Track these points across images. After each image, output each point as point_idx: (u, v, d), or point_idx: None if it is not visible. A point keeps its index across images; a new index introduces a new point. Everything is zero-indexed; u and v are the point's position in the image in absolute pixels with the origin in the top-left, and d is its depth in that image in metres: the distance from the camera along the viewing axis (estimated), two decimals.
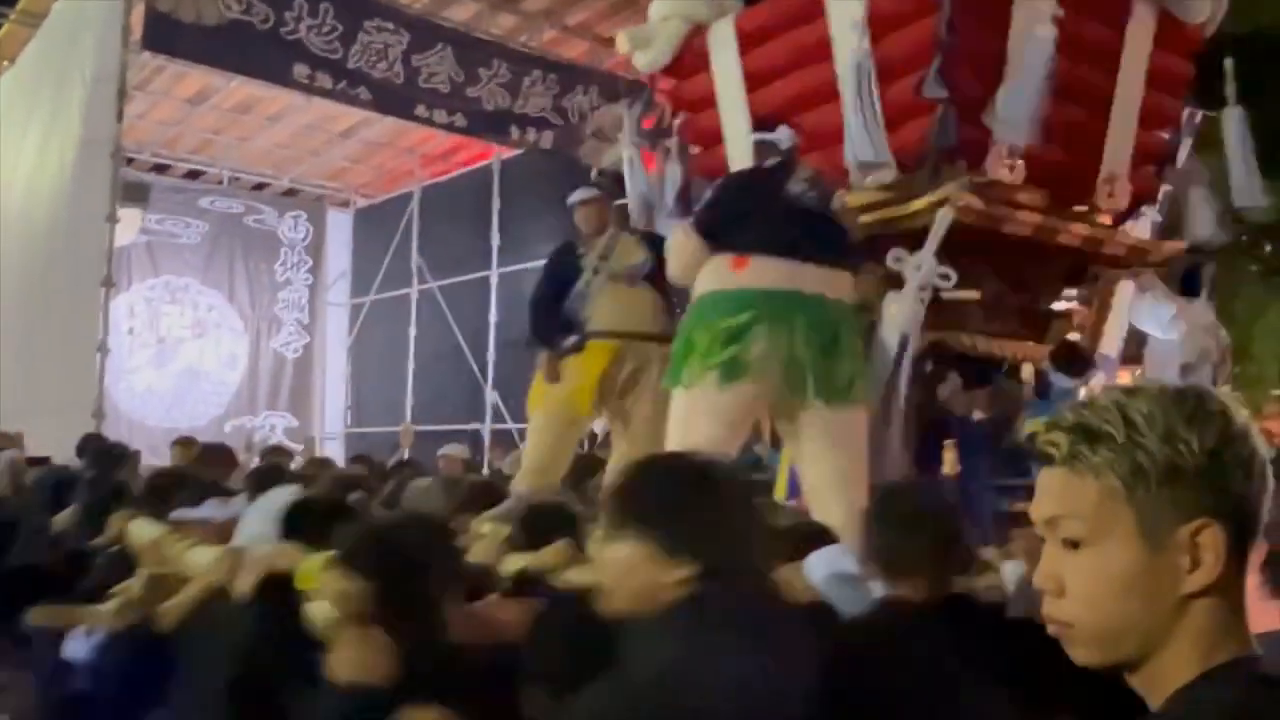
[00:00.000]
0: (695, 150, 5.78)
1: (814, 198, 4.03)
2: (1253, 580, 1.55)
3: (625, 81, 9.03)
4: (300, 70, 7.34)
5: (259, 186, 12.57)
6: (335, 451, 11.35)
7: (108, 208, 6.75)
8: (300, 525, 2.11)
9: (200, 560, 2.31)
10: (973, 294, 4.54)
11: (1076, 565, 0.96)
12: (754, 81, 5.18)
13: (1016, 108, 4.29)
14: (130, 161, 9.42)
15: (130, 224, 8.37)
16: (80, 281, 6.94)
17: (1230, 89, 5.12)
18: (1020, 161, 4.53)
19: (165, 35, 7.06)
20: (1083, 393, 4.23)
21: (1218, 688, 0.92)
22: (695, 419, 3.70)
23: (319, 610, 1.52)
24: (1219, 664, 0.92)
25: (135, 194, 8.82)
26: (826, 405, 3.68)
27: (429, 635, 1.52)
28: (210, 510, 2.88)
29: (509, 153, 10.07)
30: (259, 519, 2.35)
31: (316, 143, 11.42)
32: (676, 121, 5.81)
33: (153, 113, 10.34)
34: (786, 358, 3.67)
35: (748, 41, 5.19)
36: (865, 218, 4.45)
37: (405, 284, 11.71)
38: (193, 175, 12.12)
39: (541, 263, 10.17)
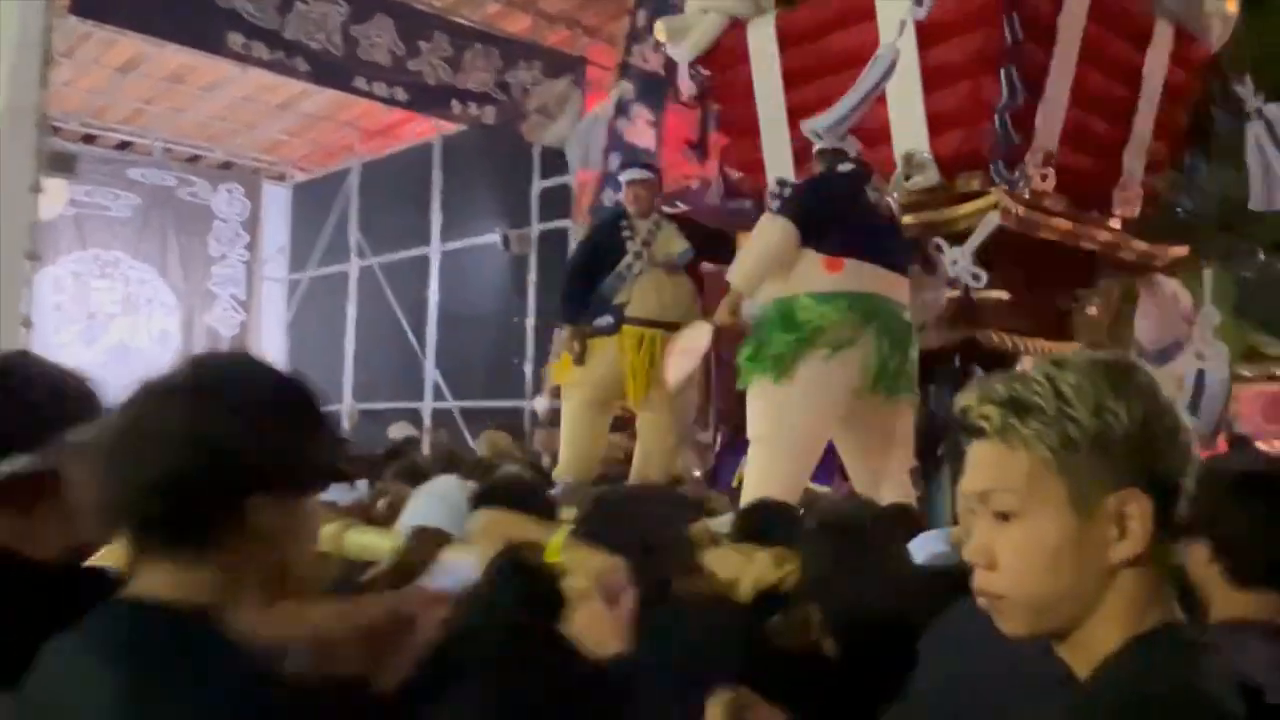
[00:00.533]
0: (725, 141, 6.02)
1: (886, 205, 4.17)
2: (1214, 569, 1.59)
3: (566, 58, 8.99)
4: (235, 39, 7.15)
5: (192, 159, 12.27)
6: None
7: (31, 178, 6.53)
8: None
9: (368, 541, 2.32)
10: (1003, 294, 4.82)
11: (1008, 537, 0.97)
12: (793, 79, 5.30)
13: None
14: (57, 131, 9.12)
15: (57, 196, 8.13)
16: (3, 254, 6.72)
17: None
18: (1051, 169, 4.78)
19: (94, 0, 6.84)
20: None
21: (1142, 654, 0.93)
22: (792, 411, 3.77)
23: (568, 583, 1.49)
24: (1144, 631, 0.94)
25: (61, 164, 8.52)
26: (891, 399, 3.87)
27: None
28: (336, 494, 2.83)
29: (451, 128, 9.93)
30: (431, 505, 2.27)
31: (252, 115, 11.17)
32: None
33: (81, 81, 10.02)
34: (874, 356, 3.82)
35: (789, 40, 5.31)
36: (907, 218, 4.53)
37: (344, 260, 11.54)
38: (123, 146, 11.78)
39: (482, 239, 10.27)
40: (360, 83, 7.81)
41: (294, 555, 1.09)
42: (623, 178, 5.41)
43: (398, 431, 7.91)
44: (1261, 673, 1.27)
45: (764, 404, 3.87)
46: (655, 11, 7.95)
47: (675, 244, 5.12)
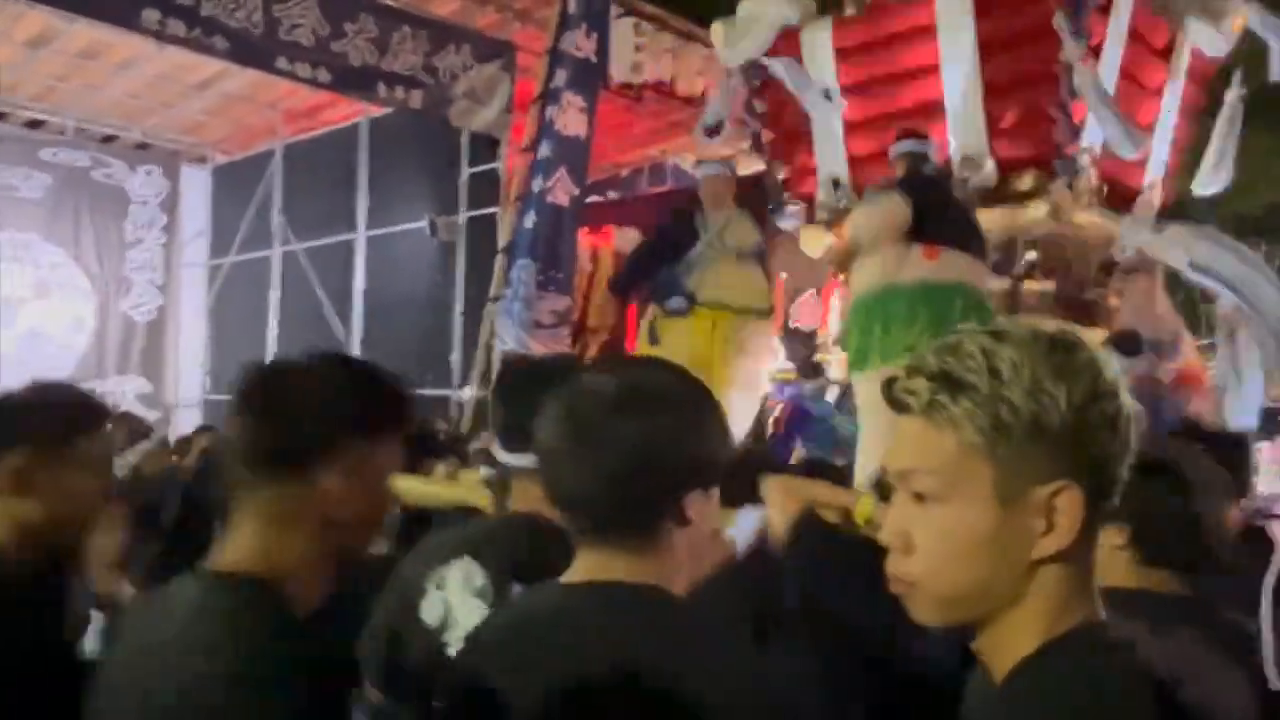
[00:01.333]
0: (771, 136, 6.55)
1: (965, 201, 4.71)
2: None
3: (496, 42, 8.87)
4: (150, 15, 6.92)
5: (108, 139, 11.86)
6: (192, 419, 10.90)
7: None
8: None
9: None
10: (1048, 284, 5.33)
11: (926, 521, 0.91)
12: (849, 88, 5.77)
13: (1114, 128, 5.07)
14: None
15: None
16: None
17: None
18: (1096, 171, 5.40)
19: None
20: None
21: (1058, 659, 0.87)
22: None
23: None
24: (1060, 634, 0.88)
25: None
26: None
27: None
28: None
29: (377, 111, 9.75)
30: None
31: (170, 94, 10.83)
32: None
33: None
34: None
35: (846, 51, 5.77)
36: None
37: (267, 245, 11.26)
38: (34, 125, 11.33)
39: (409, 225, 10.10)
40: (282, 63, 7.61)
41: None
42: (699, 174, 5.82)
43: (468, 395, 7.98)
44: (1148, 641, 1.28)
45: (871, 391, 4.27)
46: None
47: (750, 235, 5.51)
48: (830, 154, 5.90)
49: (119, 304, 11.79)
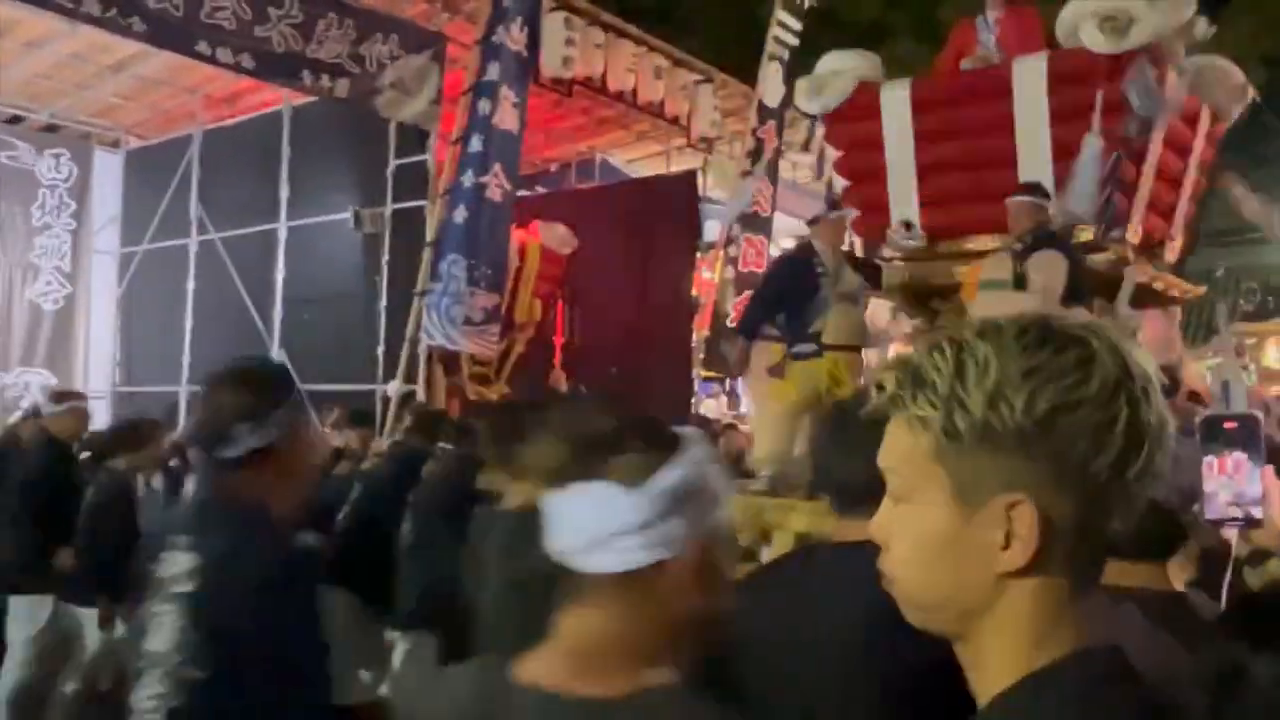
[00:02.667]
0: (848, 184, 7.04)
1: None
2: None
3: (425, 33, 8.74)
4: None
5: (14, 120, 11.40)
6: (102, 412, 10.53)
7: None
8: None
9: None
10: (1134, 316, 6.05)
11: (898, 520, 0.88)
12: (924, 138, 6.34)
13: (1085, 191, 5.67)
14: None
15: None
16: None
17: None
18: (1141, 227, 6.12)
19: None
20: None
21: (1045, 695, 0.82)
22: None
23: None
24: (1044, 666, 0.82)
25: None
26: None
27: None
28: None
29: (300, 99, 9.53)
30: None
31: (83, 75, 10.45)
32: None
33: None
34: None
35: (923, 105, 6.36)
36: None
37: (183, 233, 10.94)
38: None
39: (333, 216, 9.90)
40: (203, 47, 7.37)
41: None
42: (811, 218, 6.05)
43: (393, 390, 7.99)
44: (1138, 641, 1.30)
45: None
46: None
47: (853, 278, 5.83)
48: (902, 196, 6.45)
49: (24, 292, 11.35)
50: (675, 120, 11.34)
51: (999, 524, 0.82)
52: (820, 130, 7.30)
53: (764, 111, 11.64)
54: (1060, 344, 0.82)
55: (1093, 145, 5.58)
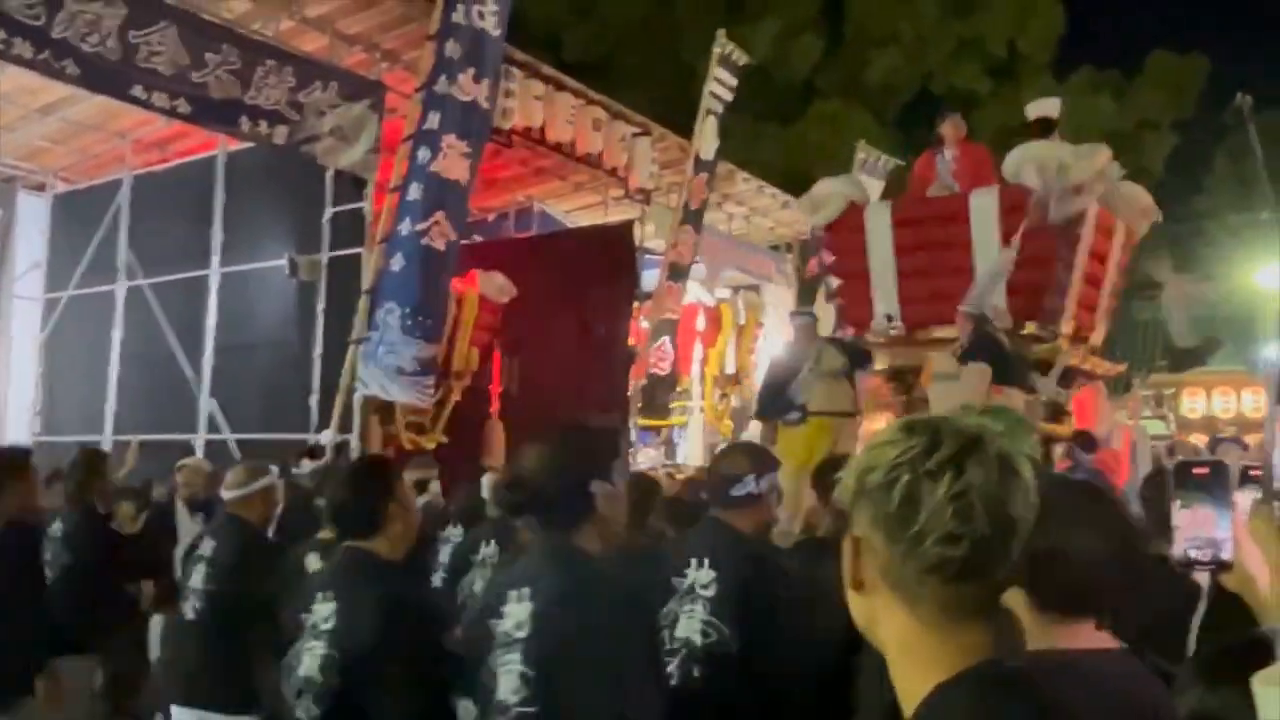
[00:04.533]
0: (840, 282, 8.66)
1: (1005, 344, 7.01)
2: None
3: (365, 81, 8.74)
4: None
5: None
6: None
7: None
8: None
9: None
10: (1061, 392, 7.84)
11: None
12: (902, 249, 8.07)
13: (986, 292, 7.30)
14: None
15: None
16: None
17: None
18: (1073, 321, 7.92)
19: None
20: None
21: (942, 705, 1.05)
22: None
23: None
24: (951, 677, 1.05)
25: None
26: None
27: None
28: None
29: (235, 144, 9.45)
30: None
31: (9, 117, 10.23)
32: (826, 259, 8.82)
33: None
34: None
35: (901, 223, 8.12)
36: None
37: (111, 279, 10.71)
38: None
39: (267, 263, 9.80)
40: (139, 91, 7.28)
41: None
42: (793, 322, 8.15)
43: (327, 439, 8.08)
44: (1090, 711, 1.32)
45: None
46: (465, 42, 7.87)
47: (836, 360, 7.49)
48: (885, 295, 8.17)
49: None
50: (614, 171, 11.46)
51: (850, 553, 1.13)
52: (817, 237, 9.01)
53: (699, 164, 11.82)
54: (900, 434, 1.10)
55: (1004, 255, 7.32)
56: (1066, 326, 7.82)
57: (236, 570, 3.93)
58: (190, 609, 3.98)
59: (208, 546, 4.07)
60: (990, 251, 7.48)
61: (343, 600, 2.55)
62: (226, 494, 4.18)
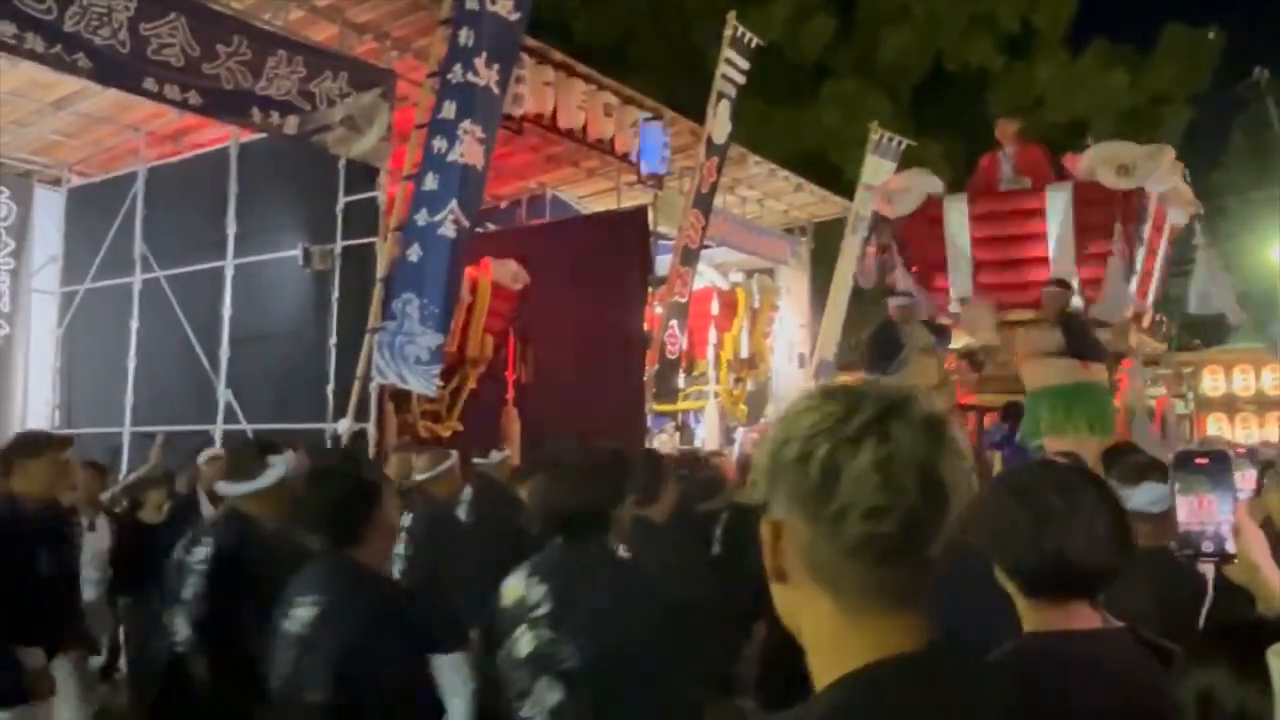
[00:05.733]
0: (917, 270, 9.42)
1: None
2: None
3: (375, 70, 8.73)
4: (6, 29, 6.53)
5: None
6: None
7: None
8: None
9: None
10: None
11: None
12: (979, 240, 9.01)
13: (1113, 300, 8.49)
14: None
15: None
16: None
17: None
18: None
19: None
20: None
21: (832, 694, 0.95)
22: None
23: None
24: (852, 670, 0.94)
25: None
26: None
27: None
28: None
29: (247, 135, 9.46)
30: None
31: (23, 112, 10.29)
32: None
33: None
34: None
35: (978, 217, 9.01)
36: None
37: (127, 272, 10.75)
38: None
39: (281, 253, 9.82)
40: (150, 84, 7.29)
41: None
42: (894, 303, 8.79)
43: (344, 428, 8.04)
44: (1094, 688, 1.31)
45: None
46: (478, 27, 7.84)
47: (927, 338, 8.54)
48: (961, 282, 9.10)
49: None
50: (625, 157, 11.42)
51: (769, 540, 1.00)
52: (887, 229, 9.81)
53: (711, 147, 11.78)
54: (803, 401, 1.00)
55: (1113, 265, 8.30)
56: (1128, 310, 8.73)
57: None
58: None
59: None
60: (1066, 243, 8.52)
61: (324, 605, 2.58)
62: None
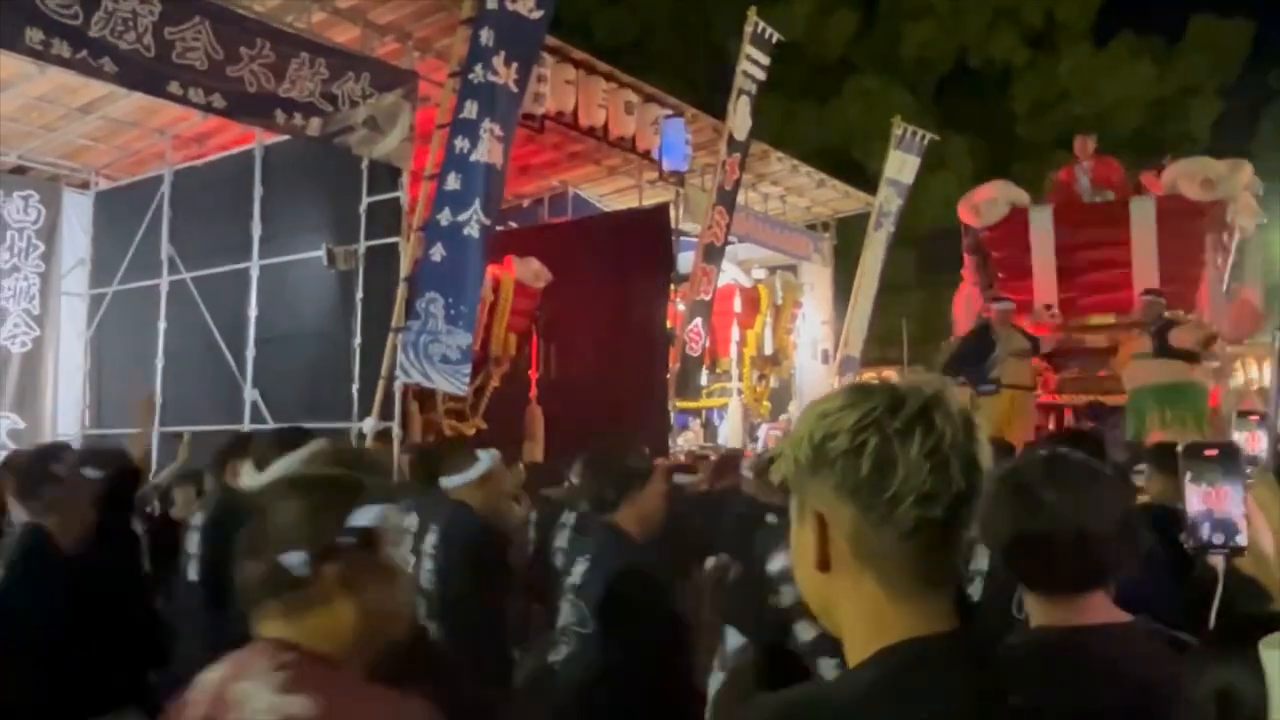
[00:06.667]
0: (1003, 276, 10.16)
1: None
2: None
3: (397, 71, 8.77)
4: (33, 35, 6.62)
5: None
6: None
7: None
8: None
9: None
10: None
11: (793, 540, 1.13)
12: (1062, 248, 9.64)
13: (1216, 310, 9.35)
14: None
15: None
16: None
17: None
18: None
19: None
20: None
21: (867, 668, 1.03)
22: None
23: None
24: (885, 646, 1.02)
25: None
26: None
27: None
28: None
29: (272, 137, 9.53)
30: None
31: (51, 117, 10.41)
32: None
33: None
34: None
35: (1063, 225, 9.66)
36: None
37: (154, 274, 10.86)
38: None
39: (306, 254, 9.88)
40: (175, 88, 7.35)
41: None
42: (995, 307, 9.36)
43: (369, 427, 8.05)
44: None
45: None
46: (499, 27, 7.87)
47: (1021, 342, 9.09)
48: (1046, 290, 9.64)
49: None
50: (646, 154, 11.42)
51: (812, 531, 1.06)
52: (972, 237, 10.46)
53: (732, 144, 11.76)
54: (845, 396, 1.05)
55: (1213, 276, 9.11)
56: (1200, 313, 9.41)
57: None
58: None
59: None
60: (1149, 252, 9.11)
61: None
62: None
